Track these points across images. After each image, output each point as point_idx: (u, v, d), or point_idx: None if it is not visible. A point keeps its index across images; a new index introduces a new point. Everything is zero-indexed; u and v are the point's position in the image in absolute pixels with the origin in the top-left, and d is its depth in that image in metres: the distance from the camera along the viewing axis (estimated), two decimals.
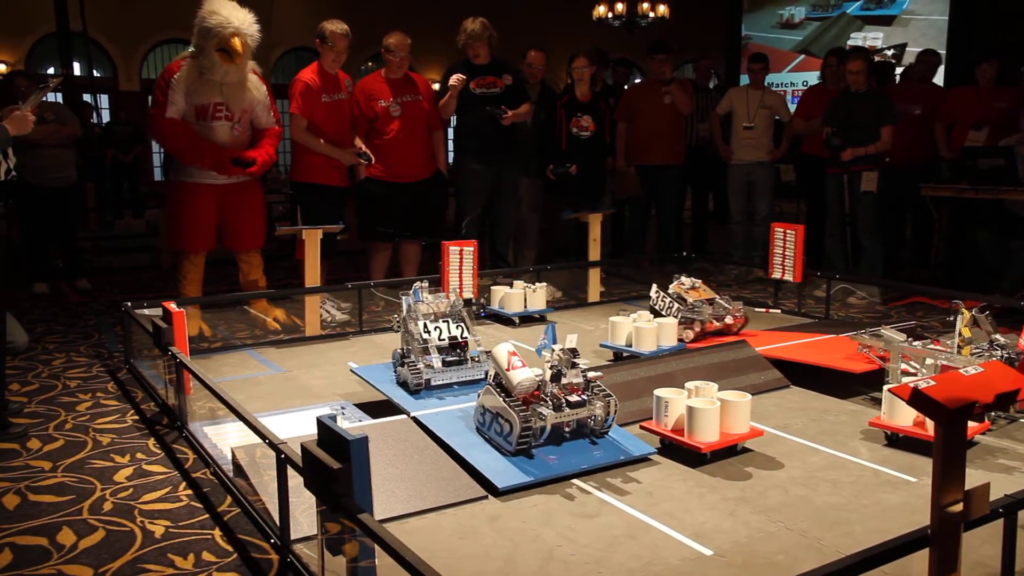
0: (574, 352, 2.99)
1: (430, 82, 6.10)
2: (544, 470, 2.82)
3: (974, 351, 3.38)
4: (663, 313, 4.54)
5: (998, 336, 3.50)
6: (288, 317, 5.25)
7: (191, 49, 4.77)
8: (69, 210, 6.62)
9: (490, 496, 2.71)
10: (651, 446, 3.07)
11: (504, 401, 2.90)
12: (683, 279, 4.72)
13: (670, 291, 4.64)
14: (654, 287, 4.65)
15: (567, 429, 3.01)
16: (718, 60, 13.69)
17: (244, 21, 4.65)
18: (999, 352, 3.40)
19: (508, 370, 2.95)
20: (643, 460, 3.00)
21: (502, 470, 2.79)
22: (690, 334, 4.43)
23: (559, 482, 2.81)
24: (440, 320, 3.58)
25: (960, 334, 3.35)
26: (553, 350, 3.00)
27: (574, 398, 2.96)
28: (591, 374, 3.05)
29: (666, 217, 7.33)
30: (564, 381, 2.97)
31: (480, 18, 5.91)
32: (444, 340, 3.53)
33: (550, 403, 2.92)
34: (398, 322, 3.59)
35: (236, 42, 4.61)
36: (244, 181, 4.96)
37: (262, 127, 5.00)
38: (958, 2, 11.59)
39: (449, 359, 3.52)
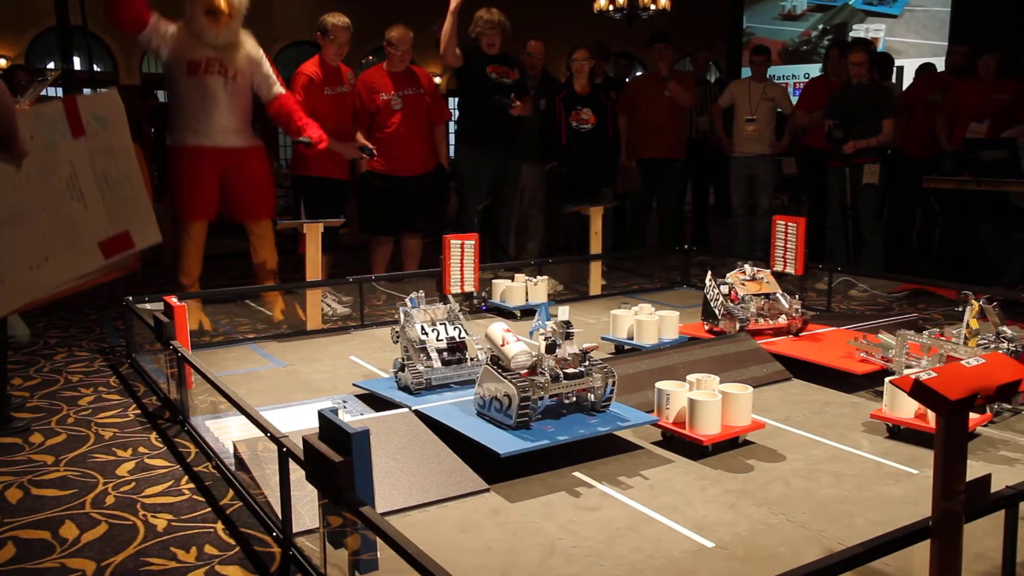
0: (567, 324, 3.00)
1: (432, 75, 6.10)
2: (544, 437, 2.84)
3: (980, 342, 3.37)
4: (711, 304, 4.31)
5: (1005, 328, 3.48)
6: (290, 310, 5.25)
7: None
8: None
9: (491, 489, 2.71)
10: (651, 416, 3.08)
11: (502, 376, 2.91)
12: (745, 267, 4.43)
13: (727, 279, 4.37)
14: (709, 274, 4.39)
15: (566, 402, 3.03)
16: (719, 53, 13.67)
17: None
18: (1005, 344, 3.39)
19: (503, 346, 2.97)
20: (643, 450, 3.00)
21: (502, 440, 2.81)
22: (733, 330, 4.22)
23: (561, 466, 2.81)
24: (437, 323, 3.58)
25: (968, 325, 3.33)
26: (547, 328, 3.01)
27: (572, 371, 2.97)
28: (586, 345, 3.05)
29: (668, 211, 7.32)
30: (560, 354, 2.98)
31: (494, 9, 5.88)
32: (442, 341, 3.53)
33: (547, 375, 2.93)
34: (396, 332, 3.58)
35: (221, 1, 4.57)
36: (247, 147, 4.88)
37: (271, 97, 4.92)
38: None
39: (448, 359, 3.52)
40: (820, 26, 13.27)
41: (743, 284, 4.35)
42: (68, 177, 2.88)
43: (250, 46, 4.87)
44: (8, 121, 2.23)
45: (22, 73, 6.48)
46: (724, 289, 4.32)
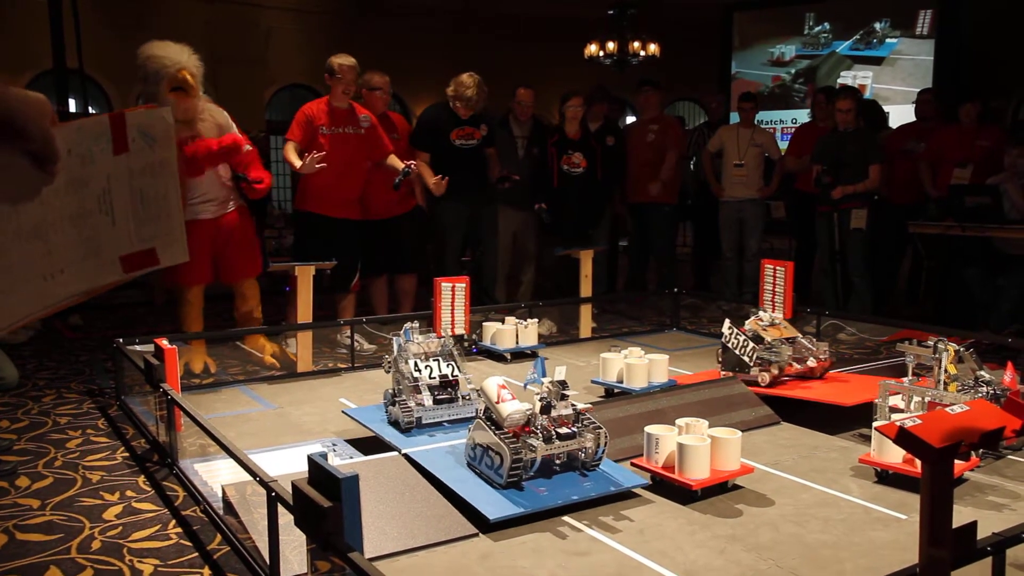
0: (563, 384, 3.01)
1: (407, 120, 6.24)
2: (535, 502, 2.82)
3: (960, 388, 3.40)
4: (736, 351, 4.17)
5: (983, 372, 3.52)
6: (280, 352, 5.26)
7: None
8: None
9: (481, 534, 2.70)
10: (642, 478, 3.08)
11: (494, 434, 2.91)
12: (761, 315, 4.34)
13: (746, 327, 4.24)
14: (727, 323, 4.28)
15: (557, 462, 3.02)
16: (710, 99, 13.88)
17: (182, 54, 4.70)
18: (984, 388, 3.42)
19: (497, 403, 2.97)
20: (633, 495, 3.00)
21: (493, 502, 2.80)
22: (766, 377, 4.08)
23: (550, 517, 2.81)
24: (431, 359, 3.59)
25: (946, 370, 3.37)
26: (542, 383, 3.02)
27: (564, 430, 2.97)
28: (581, 406, 3.06)
29: (658, 255, 7.38)
30: (554, 413, 2.98)
31: (477, 82, 5.95)
32: (435, 378, 3.54)
33: (540, 435, 2.93)
34: (389, 363, 3.59)
35: (185, 76, 4.63)
36: (231, 212, 4.95)
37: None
38: (943, 44, 11.84)
39: (440, 397, 3.52)
40: (793, 71, 13.54)
41: (765, 330, 4.24)
42: (101, 192, 2.81)
43: (215, 113, 4.92)
44: (47, 142, 2.19)
45: None
46: (747, 335, 4.17)
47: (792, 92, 13.55)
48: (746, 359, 4.14)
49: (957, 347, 3.46)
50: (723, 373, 4.25)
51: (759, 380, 4.09)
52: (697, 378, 4.38)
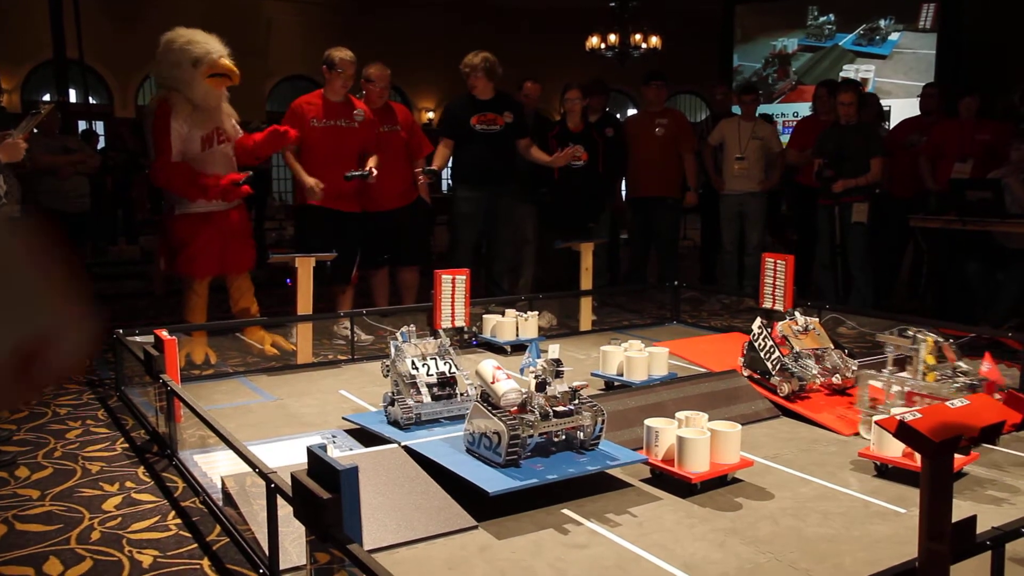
0: (558, 362, 3.02)
1: (409, 111, 6.19)
2: (533, 476, 2.83)
3: (938, 378, 3.42)
4: (762, 355, 3.98)
5: (962, 364, 3.53)
6: (284, 343, 5.26)
7: (161, 89, 4.84)
8: (82, 234, 6.79)
9: (480, 526, 2.70)
10: (641, 455, 3.08)
11: (492, 414, 2.91)
12: (797, 316, 4.10)
13: (778, 329, 4.02)
14: (758, 321, 4.07)
15: (556, 440, 3.03)
16: (709, 91, 13.87)
17: (220, 44, 4.78)
18: (962, 379, 3.43)
19: (493, 383, 2.98)
20: (631, 487, 3.00)
21: (491, 478, 2.81)
22: (785, 388, 3.86)
23: (550, 502, 2.81)
24: (428, 359, 3.59)
25: (924, 361, 3.40)
26: (537, 365, 3.03)
27: (561, 408, 2.98)
28: (576, 383, 3.06)
29: (662, 249, 7.37)
30: (550, 392, 2.99)
31: (483, 52, 5.96)
32: (432, 376, 3.54)
33: (537, 413, 2.94)
34: (387, 367, 3.59)
35: (229, 65, 4.71)
36: (232, 206, 5.00)
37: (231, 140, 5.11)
38: (945, 39, 11.82)
39: (438, 394, 3.52)
40: (772, 63, 13.54)
41: (797, 337, 4.02)
42: None
43: (230, 111, 5.04)
44: None
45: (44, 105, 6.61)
46: (774, 340, 3.95)
47: (768, 82, 13.52)
48: (769, 365, 3.97)
49: (936, 338, 3.48)
50: (745, 372, 4.12)
51: (779, 390, 3.91)
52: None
